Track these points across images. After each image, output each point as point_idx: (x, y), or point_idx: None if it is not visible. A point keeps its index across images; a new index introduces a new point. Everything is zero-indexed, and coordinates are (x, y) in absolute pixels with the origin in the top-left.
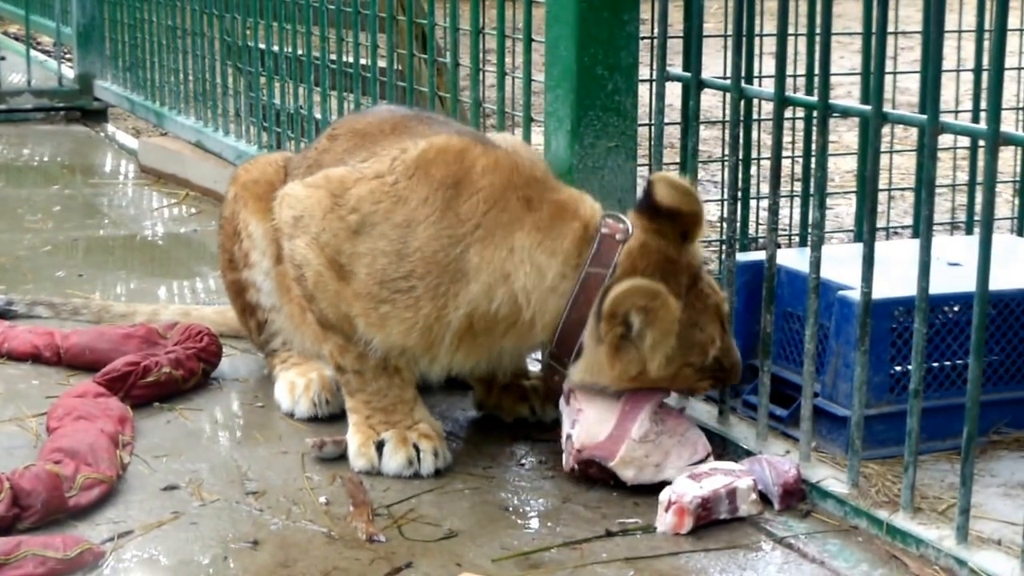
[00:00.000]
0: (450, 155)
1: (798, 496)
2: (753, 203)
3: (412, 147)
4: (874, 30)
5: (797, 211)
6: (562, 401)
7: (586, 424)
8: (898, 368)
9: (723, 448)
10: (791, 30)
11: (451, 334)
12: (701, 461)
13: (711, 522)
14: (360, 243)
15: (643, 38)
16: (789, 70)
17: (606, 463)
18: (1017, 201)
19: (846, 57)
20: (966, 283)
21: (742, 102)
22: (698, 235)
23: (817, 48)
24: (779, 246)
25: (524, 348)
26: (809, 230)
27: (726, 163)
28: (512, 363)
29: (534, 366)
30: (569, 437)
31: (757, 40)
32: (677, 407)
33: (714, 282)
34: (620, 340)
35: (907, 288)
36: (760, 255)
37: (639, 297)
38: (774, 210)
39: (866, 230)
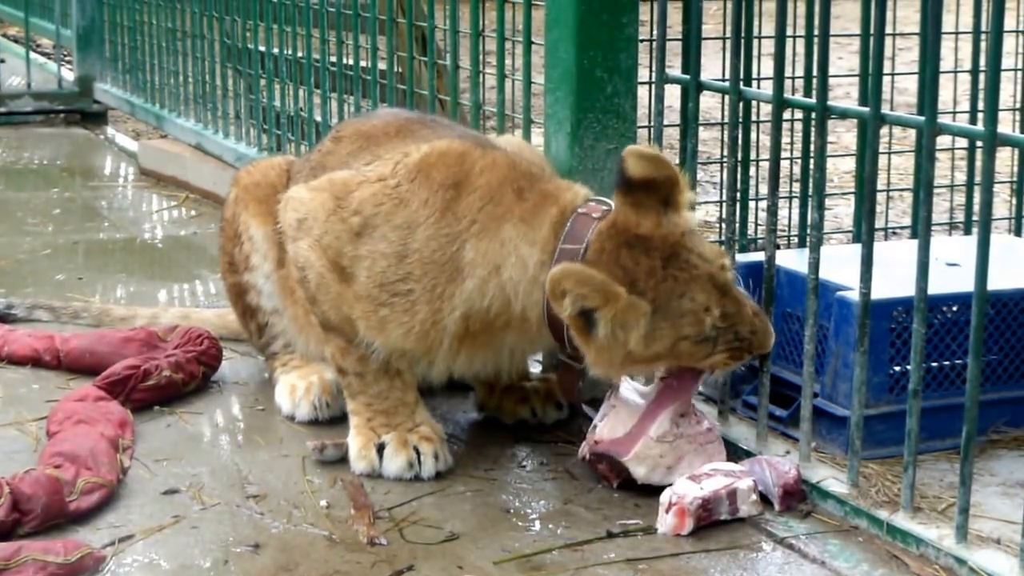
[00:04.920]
0: (451, 158)
1: (798, 496)
2: (752, 204)
3: (415, 151)
4: (872, 31)
5: (796, 212)
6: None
7: (613, 419)
8: (897, 368)
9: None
10: (789, 32)
11: (449, 338)
12: None
13: (712, 523)
14: (361, 245)
15: (642, 40)
16: (788, 72)
17: (620, 458)
18: (1015, 201)
19: (844, 58)
20: (964, 283)
21: (741, 104)
22: (681, 199)
23: (815, 49)
24: (778, 247)
25: (530, 344)
26: (808, 231)
27: (725, 165)
28: (520, 362)
29: (535, 367)
30: (595, 427)
31: (756, 42)
32: (709, 423)
33: (710, 250)
34: (590, 329)
35: (906, 288)
36: (759, 256)
37: (570, 282)
38: (773, 211)
39: (865, 231)
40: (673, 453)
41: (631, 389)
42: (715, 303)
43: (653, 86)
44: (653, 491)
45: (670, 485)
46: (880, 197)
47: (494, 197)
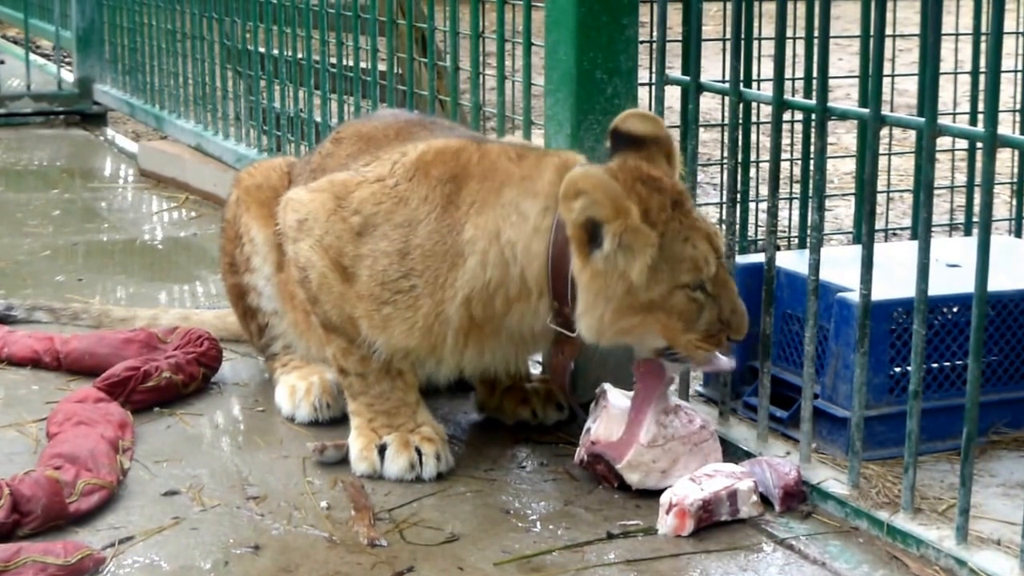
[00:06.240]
0: (448, 155)
1: (799, 497)
2: (752, 206)
3: (412, 150)
4: (872, 33)
5: (796, 213)
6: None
7: (607, 420)
8: (897, 369)
9: (723, 450)
10: (789, 33)
11: (453, 331)
12: None
13: (712, 524)
14: (363, 245)
15: (642, 42)
16: (788, 73)
17: (614, 464)
18: (1015, 203)
19: (844, 59)
20: (965, 284)
21: (741, 105)
22: (677, 159)
23: (815, 51)
24: (778, 248)
25: (531, 326)
26: (808, 232)
27: (725, 166)
28: (526, 353)
29: (535, 369)
30: (588, 430)
31: (756, 43)
32: (702, 420)
33: (707, 219)
34: (592, 250)
35: (906, 289)
36: (759, 257)
37: (588, 183)
38: (773, 212)
39: (865, 232)
40: (667, 457)
41: (619, 395)
42: (713, 258)
43: (653, 87)
44: (653, 492)
45: (668, 487)
46: (880, 198)
47: (490, 174)
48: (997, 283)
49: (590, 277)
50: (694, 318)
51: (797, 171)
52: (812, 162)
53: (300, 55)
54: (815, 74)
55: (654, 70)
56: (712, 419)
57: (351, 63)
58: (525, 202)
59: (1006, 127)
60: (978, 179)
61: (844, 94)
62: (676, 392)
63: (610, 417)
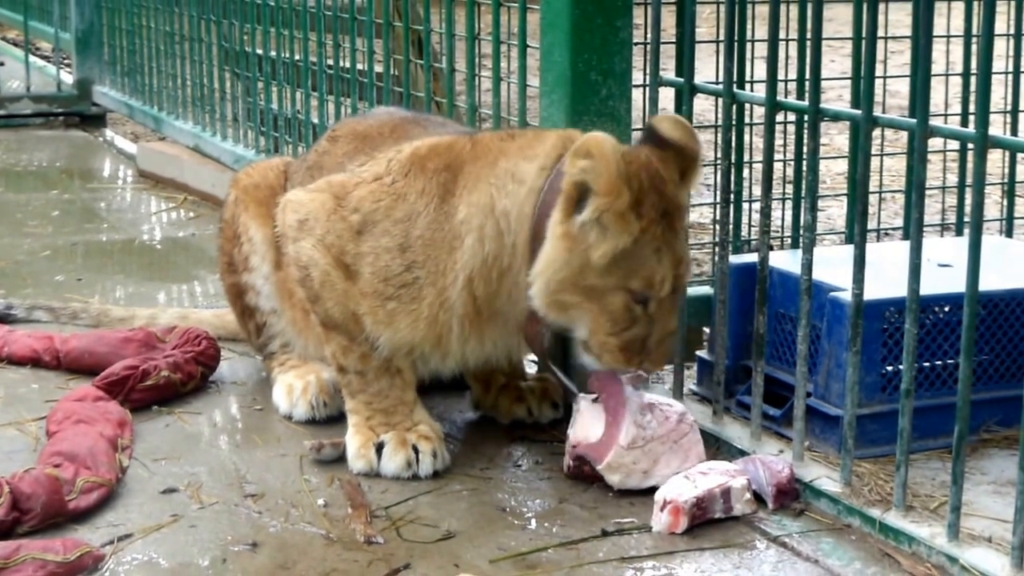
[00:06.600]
0: (441, 148)
1: (792, 495)
2: (745, 206)
3: (406, 147)
4: (864, 35)
5: (789, 213)
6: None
7: (581, 421)
8: (889, 368)
9: (717, 448)
10: (782, 35)
11: (457, 319)
12: None
13: (706, 521)
14: (363, 242)
15: (636, 43)
16: (780, 74)
17: (595, 464)
18: (1006, 203)
19: (837, 61)
20: (956, 284)
21: (734, 106)
22: (695, 176)
23: (808, 53)
24: (771, 248)
25: (517, 298)
26: (801, 232)
27: (719, 167)
28: (522, 340)
29: (531, 368)
30: (568, 436)
31: (749, 45)
32: (678, 414)
33: (687, 247)
34: (575, 213)
35: (898, 289)
36: (753, 257)
37: (599, 150)
38: (766, 213)
39: (857, 232)
40: (647, 458)
41: (590, 398)
42: (669, 283)
43: (647, 89)
44: (648, 490)
45: (652, 488)
46: (872, 199)
47: (483, 155)
48: (988, 283)
49: (560, 235)
50: (621, 326)
51: (790, 172)
52: (805, 163)
53: (297, 57)
54: (808, 76)
55: (648, 72)
56: (704, 415)
57: (348, 65)
58: (522, 165)
59: (997, 128)
60: (969, 180)
61: (836, 95)
62: (671, 392)
63: (583, 417)
